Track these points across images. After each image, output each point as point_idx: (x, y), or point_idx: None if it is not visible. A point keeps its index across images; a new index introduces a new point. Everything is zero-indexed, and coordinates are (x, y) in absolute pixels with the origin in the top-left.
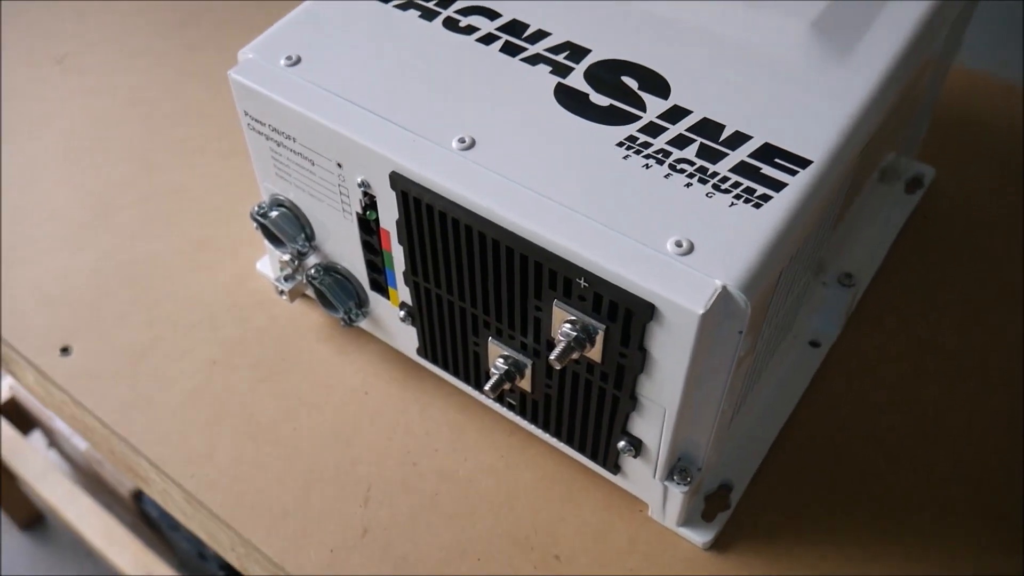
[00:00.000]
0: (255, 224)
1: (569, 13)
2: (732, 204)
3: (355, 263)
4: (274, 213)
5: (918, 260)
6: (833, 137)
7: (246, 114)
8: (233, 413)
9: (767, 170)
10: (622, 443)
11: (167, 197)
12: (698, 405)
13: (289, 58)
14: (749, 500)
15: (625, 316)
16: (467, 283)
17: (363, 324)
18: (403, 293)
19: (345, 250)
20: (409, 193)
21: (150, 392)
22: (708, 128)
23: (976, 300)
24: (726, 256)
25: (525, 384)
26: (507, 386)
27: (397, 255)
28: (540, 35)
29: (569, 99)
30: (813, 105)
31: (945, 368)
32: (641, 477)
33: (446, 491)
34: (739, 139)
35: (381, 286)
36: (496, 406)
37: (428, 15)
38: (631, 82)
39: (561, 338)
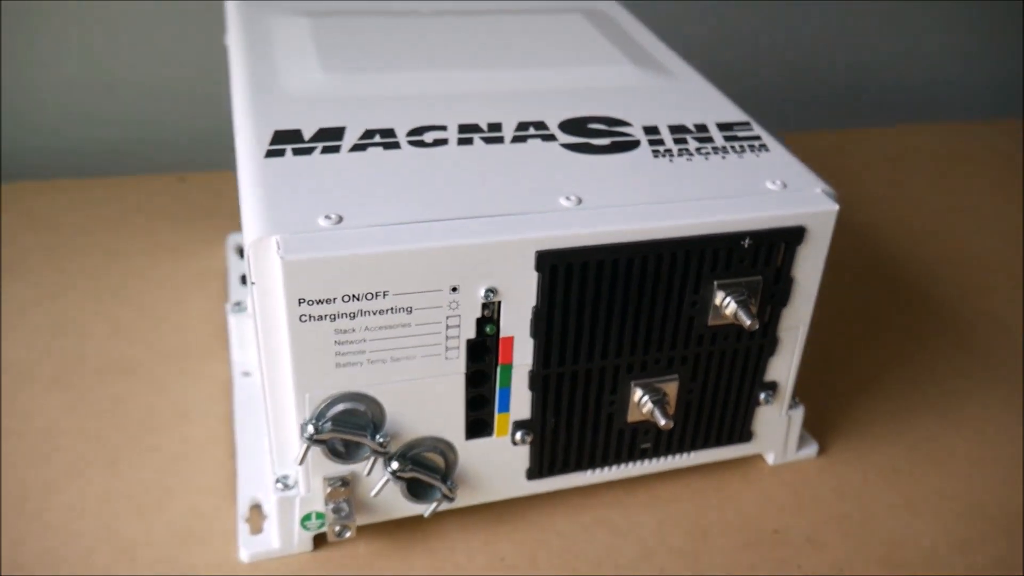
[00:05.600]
0: (308, 447)
1: (491, 104)
2: (756, 156)
3: (446, 418)
4: (327, 423)
5: None
6: (728, 104)
7: (301, 302)
8: None
9: (735, 132)
10: (762, 396)
11: None
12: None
13: (328, 218)
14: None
15: (782, 250)
16: (615, 330)
17: (434, 509)
18: (520, 408)
19: (432, 411)
20: (559, 265)
21: None
22: (681, 130)
23: None
24: (800, 180)
25: (670, 405)
26: (655, 415)
27: (522, 359)
28: (497, 126)
29: (582, 151)
30: (693, 97)
31: None
32: (767, 425)
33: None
34: (701, 128)
35: (484, 423)
36: (620, 472)
37: (388, 147)
38: (599, 125)
39: (733, 304)
